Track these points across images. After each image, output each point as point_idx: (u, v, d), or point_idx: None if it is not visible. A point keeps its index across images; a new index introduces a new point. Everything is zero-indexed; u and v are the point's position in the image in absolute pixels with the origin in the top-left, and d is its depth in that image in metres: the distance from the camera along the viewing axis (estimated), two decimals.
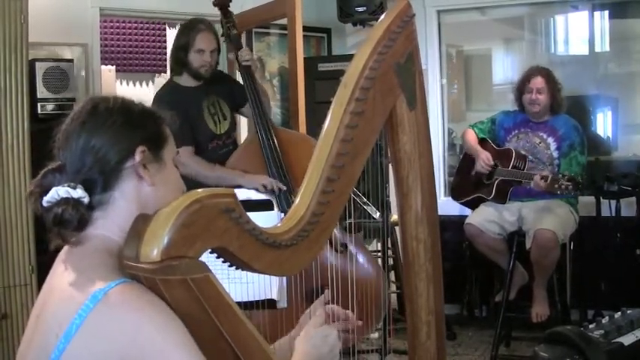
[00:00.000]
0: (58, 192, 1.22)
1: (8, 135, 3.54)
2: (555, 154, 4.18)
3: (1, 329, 3.48)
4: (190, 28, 3.56)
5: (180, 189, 1.36)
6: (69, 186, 1.22)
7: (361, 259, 3.29)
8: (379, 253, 4.19)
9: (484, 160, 4.25)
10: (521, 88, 4.28)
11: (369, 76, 1.39)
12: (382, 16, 1.48)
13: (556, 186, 3.79)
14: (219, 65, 3.74)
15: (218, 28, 3.78)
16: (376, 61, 1.41)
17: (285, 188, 3.34)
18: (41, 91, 3.89)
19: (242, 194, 3.31)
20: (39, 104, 3.87)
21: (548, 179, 3.83)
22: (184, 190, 1.36)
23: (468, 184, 4.41)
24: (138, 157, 1.28)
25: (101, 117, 1.28)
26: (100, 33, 4.76)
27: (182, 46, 3.53)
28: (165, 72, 6.58)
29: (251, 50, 4.88)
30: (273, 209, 2.53)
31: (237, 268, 1.24)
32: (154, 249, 1.11)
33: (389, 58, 1.43)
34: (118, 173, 1.27)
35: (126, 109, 1.31)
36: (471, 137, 4.41)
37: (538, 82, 4.19)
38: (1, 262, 3.50)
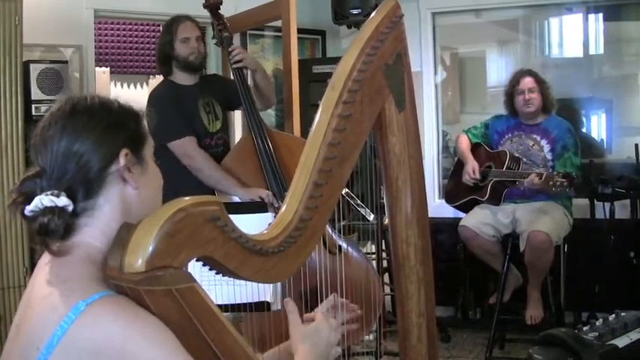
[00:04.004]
0: (42, 201, 1.18)
1: (2, 136, 3.55)
2: (549, 156, 4.18)
3: None
4: (170, 23, 3.62)
5: (161, 187, 1.34)
6: (52, 194, 1.18)
7: (356, 260, 3.28)
8: (373, 255, 4.19)
9: (469, 171, 4.26)
10: (510, 91, 4.28)
11: (356, 79, 1.37)
12: (370, 17, 1.45)
13: (550, 183, 3.78)
14: (208, 57, 3.76)
15: (209, 30, 3.78)
16: (364, 63, 1.39)
17: (277, 205, 3.32)
18: (35, 93, 3.87)
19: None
20: (33, 106, 3.85)
21: (543, 177, 3.82)
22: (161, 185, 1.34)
23: (462, 187, 4.40)
24: (122, 160, 1.24)
25: (81, 120, 1.24)
26: (95, 34, 4.74)
27: (167, 42, 3.58)
28: (160, 74, 6.57)
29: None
30: (267, 211, 2.52)
31: (224, 276, 1.23)
32: (138, 259, 1.09)
33: (377, 59, 1.42)
34: (103, 179, 1.23)
35: (105, 109, 1.27)
36: (464, 144, 4.42)
37: (528, 81, 4.20)
38: None
